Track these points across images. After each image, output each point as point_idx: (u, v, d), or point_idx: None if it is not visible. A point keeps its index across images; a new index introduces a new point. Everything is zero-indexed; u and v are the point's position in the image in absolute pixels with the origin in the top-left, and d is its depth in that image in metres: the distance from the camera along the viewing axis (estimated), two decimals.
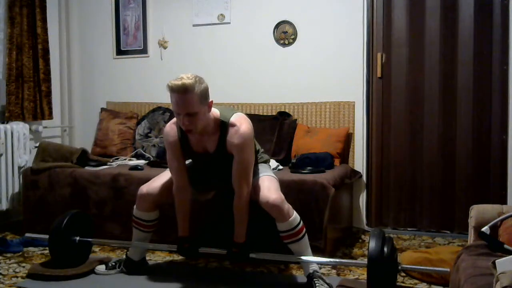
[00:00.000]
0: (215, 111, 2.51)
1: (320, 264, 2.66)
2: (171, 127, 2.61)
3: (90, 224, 2.98)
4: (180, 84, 2.30)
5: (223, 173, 2.65)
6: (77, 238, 2.84)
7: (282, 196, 2.54)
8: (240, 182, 2.51)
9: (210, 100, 2.43)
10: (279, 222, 2.53)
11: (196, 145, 2.59)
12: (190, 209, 2.69)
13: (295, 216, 2.55)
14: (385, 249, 2.27)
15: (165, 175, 2.79)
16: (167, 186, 2.72)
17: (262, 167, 2.75)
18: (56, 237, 2.76)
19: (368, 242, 2.32)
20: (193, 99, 2.32)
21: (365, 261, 2.33)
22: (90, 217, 3.04)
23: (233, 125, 2.48)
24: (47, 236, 2.80)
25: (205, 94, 2.38)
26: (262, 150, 2.88)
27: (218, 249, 2.68)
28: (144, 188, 2.75)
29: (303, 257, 2.57)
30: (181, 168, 2.63)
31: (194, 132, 2.44)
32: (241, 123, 2.48)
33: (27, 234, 3.13)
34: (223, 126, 2.50)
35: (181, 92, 2.30)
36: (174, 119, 2.56)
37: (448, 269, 2.30)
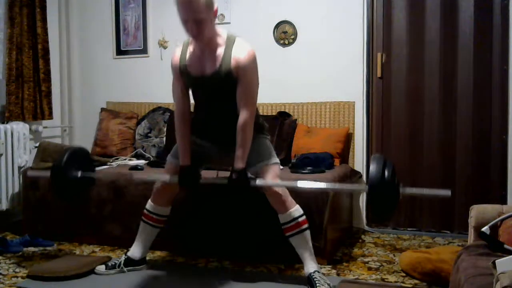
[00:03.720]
0: (220, 29, 2.51)
1: (319, 188, 2.65)
2: (178, 48, 2.62)
3: (90, 160, 2.93)
4: None
5: (219, 113, 2.60)
6: (79, 172, 2.74)
7: (285, 188, 2.59)
8: (245, 104, 2.47)
9: (216, 7, 2.42)
10: (280, 213, 2.57)
11: (195, 65, 2.53)
12: (190, 137, 2.64)
13: (296, 208, 2.59)
14: (386, 172, 2.22)
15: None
16: None
17: (267, 147, 2.70)
18: (58, 172, 2.69)
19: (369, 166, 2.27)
20: (199, 4, 2.31)
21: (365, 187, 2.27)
22: (89, 153, 2.98)
23: (240, 42, 2.49)
24: (48, 173, 2.72)
25: (211, 0, 2.37)
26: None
27: (219, 179, 2.61)
28: (159, 182, 2.77)
29: (302, 183, 2.57)
30: (184, 92, 2.62)
31: (202, 39, 2.42)
32: (247, 44, 2.48)
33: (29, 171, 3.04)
34: (229, 40, 2.49)
35: None
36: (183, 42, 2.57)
37: (449, 191, 2.21)
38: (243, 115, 2.47)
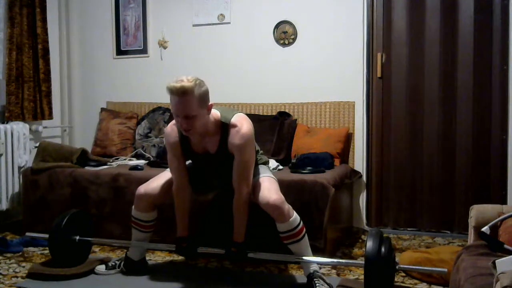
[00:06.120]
0: (215, 113, 2.51)
1: (319, 264, 2.67)
2: (171, 128, 2.62)
3: (90, 224, 2.99)
4: (179, 86, 2.29)
5: (223, 174, 2.65)
6: (77, 237, 2.84)
7: (282, 197, 2.54)
8: (240, 182, 2.52)
9: (210, 103, 2.44)
10: (279, 222, 2.53)
11: (197, 146, 2.60)
12: (189, 209, 2.70)
13: (295, 216, 2.55)
14: (383, 249, 2.27)
15: (163, 176, 2.78)
16: (165, 186, 2.72)
17: (261, 168, 2.75)
18: (56, 236, 2.76)
19: (365, 242, 2.33)
20: (191, 102, 2.32)
21: (363, 261, 2.34)
22: (90, 217, 3.04)
23: (234, 125, 2.49)
24: (47, 236, 2.81)
25: (204, 97, 2.38)
26: (261, 151, 2.88)
27: (216, 249, 2.68)
28: (142, 189, 2.75)
29: (302, 257, 2.57)
30: (181, 168, 2.64)
31: (192, 134, 2.46)
32: (242, 124, 2.49)
33: (27, 234, 3.13)
34: (224, 127, 2.51)
35: (180, 94, 2.30)
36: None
37: (446, 269, 2.30)
38: (238, 195, 2.55)
